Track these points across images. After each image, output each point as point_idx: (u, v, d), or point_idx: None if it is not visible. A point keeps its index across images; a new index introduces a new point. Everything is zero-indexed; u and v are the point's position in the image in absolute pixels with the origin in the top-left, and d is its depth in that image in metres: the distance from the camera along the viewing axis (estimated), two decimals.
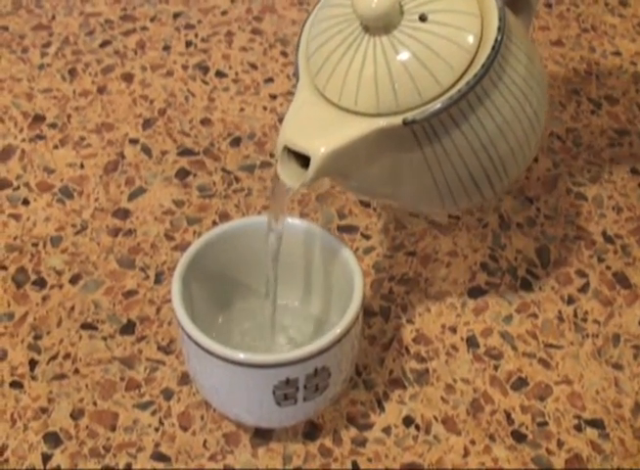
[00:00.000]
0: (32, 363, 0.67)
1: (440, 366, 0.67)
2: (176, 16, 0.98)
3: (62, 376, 0.66)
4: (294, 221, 0.64)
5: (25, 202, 0.78)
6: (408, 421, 0.64)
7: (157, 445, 0.63)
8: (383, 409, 0.65)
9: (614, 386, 0.66)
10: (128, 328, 0.69)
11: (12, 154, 0.82)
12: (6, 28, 0.96)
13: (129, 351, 0.68)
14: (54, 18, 0.98)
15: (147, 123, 0.85)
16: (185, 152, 0.83)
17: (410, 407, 0.65)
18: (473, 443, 0.63)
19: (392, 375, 0.67)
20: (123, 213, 0.77)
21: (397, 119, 0.55)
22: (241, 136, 0.84)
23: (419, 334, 0.69)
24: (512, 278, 0.73)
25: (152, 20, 0.98)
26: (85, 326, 0.69)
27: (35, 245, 0.75)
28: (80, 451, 0.62)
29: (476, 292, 0.72)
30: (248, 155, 0.83)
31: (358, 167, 0.58)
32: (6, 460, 0.62)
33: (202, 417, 0.64)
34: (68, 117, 0.86)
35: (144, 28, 0.97)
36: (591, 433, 0.64)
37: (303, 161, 0.55)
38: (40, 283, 0.72)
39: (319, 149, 0.54)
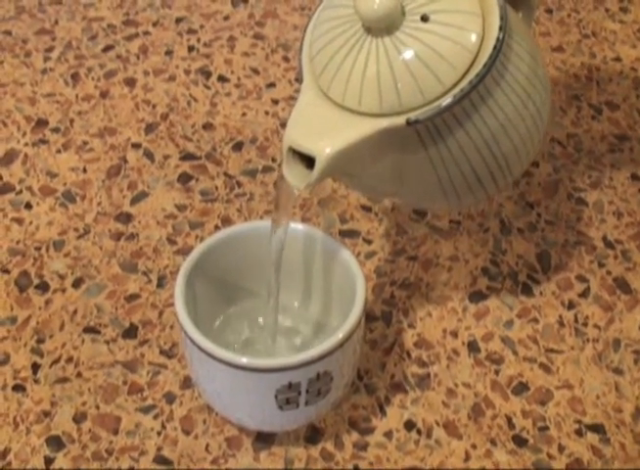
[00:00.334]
0: (35, 367, 0.67)
1: (442, 371, 0.68)
2: (179, 21, 0.99)
3: (64, 380, 0.66)
4: (296, 226, 0.64)
5: (28, 206, 0.78)
6: (409, 425, 0.64)
7: (159, 448, 0.63)
8: (384, 414, 0.65)
9: (614, 391, 0.66)
10: (131, 332, 0.70)
11: (15, 158, 0.83)
12: (9, 33, 0.97)
13: (132, 354, 0.68)
14: (57, 22, 0.98)
15: (149, 128, 0.86)
16: (187, 156, 0.83)
17: (411, 412, 0.65)
18: (474, 447, 0.63)
19: (394, 379, 0.67)
20: (126, 218, 0.78)
21: (401, 120, 0.55)
22: (243, 141, 0.85)
23: (420, 338, 0.70)
24: (513, 283, 0.73)
25: (154, 24, 0.98)
26: (88, 330, 0.70)
27: (38, 249, 0.75)
28: (83, 455, 0.62)
29: (477, 296, 0.72)
30: (250, 159, 0.83)
31: (362, 167, 0.59)
32: (8, 464, 0.62)
33: (204, 421, 0.64)
34: (71, 121, 0.86)
35: (146, 33, 0.97)
36: (592, 437, 0.64)
37: (308, 161, 0.56)
38: (43, 287, 0.72)
39: (324, 150, 0.55)
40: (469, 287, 0.73)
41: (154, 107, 0.88)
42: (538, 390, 0.66)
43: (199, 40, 0.96)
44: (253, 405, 0.60)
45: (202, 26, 0.98)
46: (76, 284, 0.72)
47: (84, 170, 0.82)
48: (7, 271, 0.73)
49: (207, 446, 0.63)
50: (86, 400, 0.65)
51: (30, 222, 0.77)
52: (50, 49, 0.95)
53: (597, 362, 0.68)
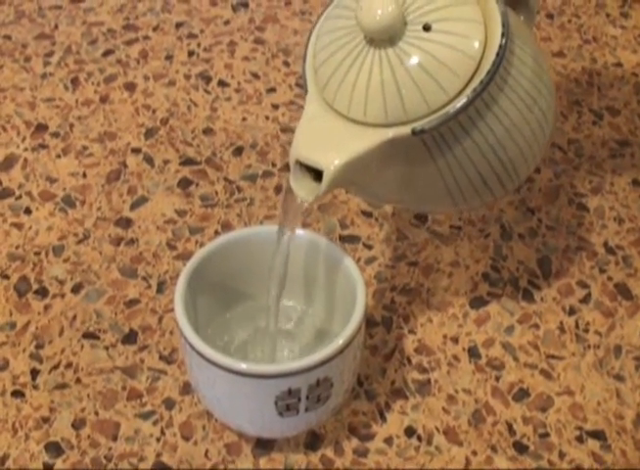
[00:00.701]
0: (34, 373, 0.67)
1: (442, 377, 0.67)
2: (179, 25, 0.99)
3: (63, 385, 0.66)
4: (298, 232, 0.64)
5: (28, 211, 0.78)
6: (410, 432, 0.64)
7: (158, 454, 0.63)
8: (384, 420, 0.65)
9: (615, 397, 0.66)
10: (130, 337, 0.69)
11: (14, 163, 0.83)
12: (9, 38, 0.97)
13: (131, 360, 0.68)
14: (56, 27, 0.98)
15: (149, 133, 0.86)
16: (187, 161, 0.83)
17: (412, 418, 0.65)
18: (474, 453, 0.63)
19: (394, 385, 0.67)
20: (125, 223, 0.77)
21: (406, 129, 0.55)
22: (243, 146, 0.85)
23: (421, 344, 0.69)
24: (513, 289, 0.73)
25: (154, 29, 0.98)
26: (87, 335, 0.69)
27: (37, 254, 0.75)
28: (82, 461, 0.62)
29: (477, 302, 0.72)
30: (250, 164, 0.83)
31: (369, 176, 0.59)
32: None
33: (203, 427, 0.64)
34: (71, 126, 0.86)
35: (146, 38, 0.97)
36: (593, 444, 0.64)
37: (315, 173, 0.56)
38: (42, 292, 0.72)
39: (331, 162, 0.55)
40: (469, 293, 0.73)
41: (154, 112, 0.88)
42: (539, 396, 0.66)
43: (199, 45, 0.96)
44: (253, 412, 0.59)
45: (202, 31, 0.98)
46: (76, 289, 0.72)
47: (84, 175, 0.81)
48: (6, 276, 0.73)
49: (207, 452, 0.63)
50: (85, 406, 0.65)
51: (30, 227, 0.77)
52: (50, 54, 0.95)
53: (598, 369, 0.68)
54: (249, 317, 0.67)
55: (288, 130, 0.86)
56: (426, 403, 0.66)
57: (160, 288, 0.73)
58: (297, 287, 0.66)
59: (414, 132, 0.55)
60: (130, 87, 0.91)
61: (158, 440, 0.63)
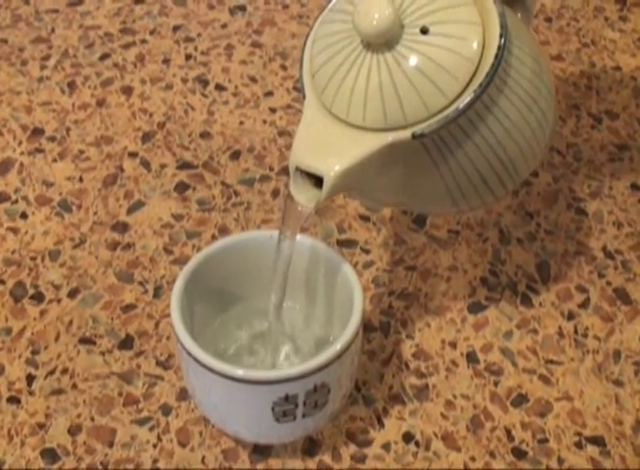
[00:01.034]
0: (30, 378, 0.67)
1: (440, 382, 0.67)
2: (176, 29, 0.98)
3: (59, 391, 0.66)
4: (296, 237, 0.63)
5: (24, 215, 0.78)
6: (408, 437, 0.64)
7: (155, 461, 0.62)
8: (382, 425, 0.65)
9: (614, 403, 0.66)
10: (127, 343, 0.69)
11: (10, 167, 0.82)
12: (5, 41, 0.96)
13: (127, 366, 0.68)
14: (53, 31, 0.98)
15: (146, 137, 0.85)
16: (184, 165, 0.83)
17: (410, 423, 0.65)
18: (473, 459, 0.63)
19: (392, 391, 0.66)
20: (122, 227, 0.77)
21: (406, 134, 0.55)
22: (240, 150, 0.84)
23: (419, 349, 0.69)
24: (512, 293, 0.73)
25: (151, 33, 0.98)
26: (83, 341, 0.69)
27: (33, 259, 0.74)
28: (78, 468, 0.62)
29: (476, 307, 0.72)
30: (247, 168, 0.82)
31: (369, 180, 0.59)
32: None
33: (200, 433, 0.64)
34: (67, 130, 0.86)
35: (143, 41, 0.97)
36: (592, 450, 0.63)
37: (316, 179, 0.56)
38: (38, 297, 0.72)
39: (332, 169, 0.55)
40: (468, 297, 0.72)
41: (150, 115, 0.88)
42: (538, 401, 0.66)
43: (196, 48, 0.96)
44: (250, 418, 0.59)
45: (199, 35, 0.98)
46: (72, 294, 0.72)
47: (80, 179, 0.81)
48: (2, 282, 0.73)
49: (204, 458, 0.63)
50: (81, 412, 0.65)
51: (26, 232, 0.77)
52: (46, 57, 0.94)
53: (597, 374, 0.67)
54: (246, 322, 0.66)
55: (285, 134, 0.86)
56: (424, 409, 0.65)
57: (157, 293, 0.72)
58: (295, 291, 0.65)
59: (414, 136, 0.55)
60: (127, 91, 0.90)
61: (154, 446, 0.63)
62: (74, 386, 0.66)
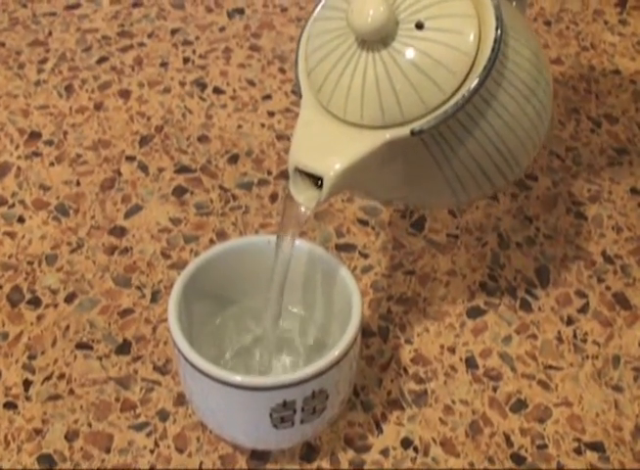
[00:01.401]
0: (27, 384, 0.66)
1: (439, 387, 0.67)
2: (174, 32, 0.98)
3: (56, 397, 0.66)
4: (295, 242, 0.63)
5: (21, 219, 0.78)
6: (406, 443, 0.64)
7: (152, 467, 0.62)
8: (381, 431, 0.64)
9: (614, 408, 0.66)
10: (124, 348, 0.69)
11: (7, 171, 0.82)
12: (2, 44, 0.96)
13: (125, 371, 0.67)
14: (50, 34, 0.97)
15: (144, 140, 0.85)
16: (182, 169, 0.82)
17: (408, 429, 0.64)
18: (471, 465, 0.62)
19: (391, 396, 0.66)
20: (119, 231, 0.77)
21: (405, 130, 0.55)
22: (238, 153, 0.84)
23: (417, 354, 0.69)
24: (511, 298, 0.72)
25: (149, 36, 0.98)
26: (80, 346, 0.69)
27: (30, 263, 0.74)
28: None
29: (474, 312, 0.71)
30: (245, 172, 0.82)
31: (369, 177, 0.59)
32: None
33: (198, 439, 0.64)
34: (65, 133, 0.86)
35: (141, 44, 0.96)
36: (591, 456, 0.63)
37: (315, 178, 0.56)
38: (35, 302, 0.71)
39: (331, 169, 0.55)
40: (467, 302, 0.72)
41: (148, 119, 0.87)
42: (537, 407, 0.66)
43: (194, 52, 0.96)
44: (248, 424, 0.59)
45: (197, 38, 0.97)
46: (69, 299, 0.72)
47: (78, 183, 0.81)
48: None
49: (201, 464, 0.62)
50: (78, 418, 0.64)
51: (23, 236, 0.76)
52: (44, 61, 0.94)
53: (596, 379, 0.67)
54: (244, 327, 0.66)
55: (284, 138, 0.85)
56: (422, 414, 0.65)
57: (155, 297, 0.72)
58: (293, 296, 0.65)
59: (413, 133, 0.55)
60: (125, 94, 0.90)
61: (151, 451, 0.63)
62: (71, 391, 0.66)
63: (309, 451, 0.63)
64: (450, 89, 0.55)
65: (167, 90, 0.91)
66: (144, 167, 0.82)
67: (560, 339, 0.70)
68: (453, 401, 0.66)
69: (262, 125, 0.87)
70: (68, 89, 0.91)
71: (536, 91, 0.59)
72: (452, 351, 0.69)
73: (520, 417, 0.65)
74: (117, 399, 0.65)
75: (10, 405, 0.65)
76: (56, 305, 0.71)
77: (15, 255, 0.75)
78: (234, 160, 0.83)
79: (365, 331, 0.69)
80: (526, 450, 0.63)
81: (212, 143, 0.85)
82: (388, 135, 0.55)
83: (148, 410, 0.65)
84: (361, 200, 0.79)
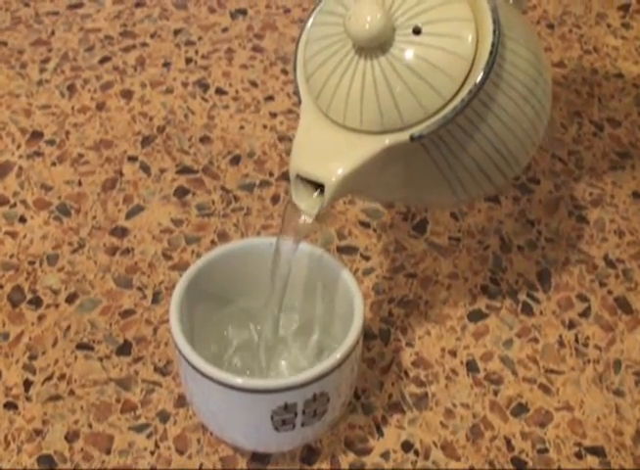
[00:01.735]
0: (27, 384, 0.66)
1: (440, 391, 0.67)
2: (176, 32, 0.98)
3: (57, 397, 0.65)
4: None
5: (22, 219, 0.78)
6: (407, 446, 0.64)
7: (152, 468, 0.62)
8: (381, 434, 0.64)
9: (615, 413, 0.65)
10: (125, 349, 0.69)
11: (9, 170, 0.82)
12: (5, 44, 0.96)
13: (125, 372, 0.67)
14: (53, 33, 0.97)
15: (146, 141, 0.85)
16: (184, 170, 0.82)
17: (409, 432, 0.64)
18: (472, 469, 0.62)
19: (391, 399, 0.66)
20: (121, 232, 0.77)
21: (404, 136, 0.55)
22: (240, 154, 0.84)
23: (418, 357, 0.69)
24: (513, 302, 0.72)
25: (152, 36, 0.97)
26: (81, 346, 0.69)
27: (32, 263, 0.74)
28: None
29: (476, 315, 0.71)
30: (247, 173, 0.82)
31: (369, 181, 0.59)
32: None
33: (198, 440, 0.63)
34: (67, 133, 0.86)
35: (144, 45, 0.96)
36: (592, 460, 0.63)
37: (316, 185, 0.56)
38: (36, 302, 0.71)
39: (333, 175, 0.55)
40: (468, 305, 0.72)
41: (150, 119, 0.87)
42: (538, 411, 0.66)
43: (197, 52, 0.95)
44: (249, 426, 0.59)
45: (200, 38, 0.97)
46: (70, 299, 0.72)
47: (79, 183, 0.81)
48: (0, 286, 0.72)
49: (202, 465, 0.62)
50: (78, 419, 0.64)
51: (24, 236, 0.76)
52: (46, 60, 0.94)
53: (597, 384, 0.67)
54: (245, 328, 0.66)
55: (286, 139, 0.85)
56: (423, 418, 0.65)
57: (156, 298, 0.72)
58: (295, 298, 0.65)
59: (412, 139, 0.55)
60: (127, 95, 0.90)
61: (152, 453, 0.63)
62: (72, 392, 0.66)
63: (310, 454, 0.63)
64: (449, 94, 0.55)
65: (170, 91, 0.91)
66: (146, 168, 0.82)
67: (561, 343, 0.70)
68: (454, 405, 0.66)
69: (264, 127, 0.87)
70: (71, 89, 0.91)
71: (535, 91, 0.59)
72: (453, 354, 0.69)
73: (520, 421, 0.65)
74: (118, 401, 0.65)
75: (10, 406, 0.65)
76: (57, 306, 0.71)
77: (16, 254, 0.75)
78: (236, 161, 0.83)
79: (366, 334, 0.69)
80: (527, 455, 0.63)
81: (214, 144, 0.85)
82: (387, 141, 0.55)
83: (148, 412, 0.65)
84: (363, 202, 0.79)
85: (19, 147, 0.84)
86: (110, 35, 0.97)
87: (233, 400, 0.57)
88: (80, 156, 0.83)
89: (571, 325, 0.71)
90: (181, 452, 0.63)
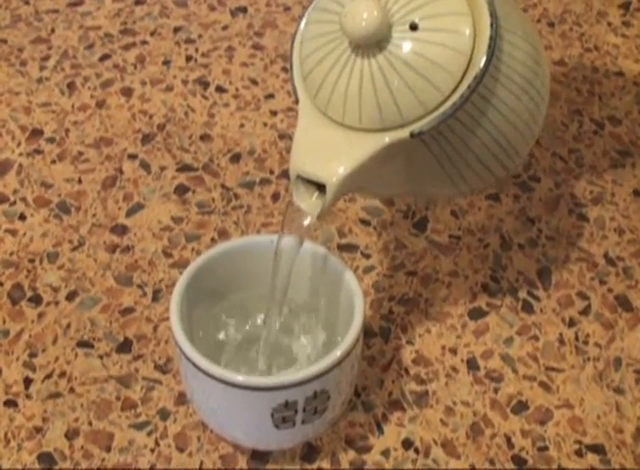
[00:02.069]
0: (27, 382, 0.66)
1: (440, 388, 0.67)
2: (177, 30, 0.98)
3: (57, 395, 0.65)
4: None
5: (22, 217, 0.77)
6: (407, 444, 0.63)
7: (152, 466, 0.62)
8: (382, 432, 0.64)
9: (615, 411, 0.65)
10: (125, 346, 0.69)
11: (9, 168, 0.82)
12: (5, 41, 0.96)
13: (125, 369, 0.67)
14: (53, 31, 0.97)
15: (146, 139, 0.85)
16: (184, 168, 0.82)
17: (409, 430, 0.64)
18: (472, 466, 0.62)
19: (392, 397, 0.66)
20: (121, 230, 0.77)
21: (404, 132, 0.55)
22: (241, 152, 0.84)
23: (419, 355, 0.69)
24: (513, 299, 0.72)
25: (152, 34, 0.97)
26: (81, 344, 0.69)
27: (32, 261, 0.74)
28: None
29: (476, 313, 0.71)
30: (247, 171, 0.82)
31: (370, 178, 0.59)
32: None
33: (198, 438, 0.63)
34: (67, 131, 0.85)
35: (144, 42, 0.96)
36: (592, 458, 0.63)
37: (317, 184, 0.56)
38: (36, 300, 0.71)
39: (333, 175, 0.55)
40: (468, 303, 0.72)
41: (150, 117, 0.87)
42: (538, 409, 0.66)
43: (197, 50, 0.95)
44: (249, 424, 0.59)
45: (200, 36, 0.97)
46: (70, 297, 0.72)
47: (79, 181, 0.81)
48: (0, 284, 0.72)
49: (202, 463, 0.62)
50: (79, 416, 0.64)
51: (24, 234, 0.76)
52: (46, 58, 0.94)
53: (598, 382, 0.67)
54: (245, 327, 0.66)
55: (286, 137, 0.85)
56: (423, 415, 0.65)
57: (156, 296, 0.72)
58: (295, 296, 0.65)
59: (412, 135, 0.55)
60: (127, 92, 0.90)
61: (152, 451, 0.63)
62: (72, 389, 0.66)
63: (310, 452, 0.63)
64: (448, 89, 0.55)
65: (170, 88, 0.91)
66: (146, 166, 0.82)
67: (561, 341, 0.70)
68: (454, 403, 0.66)
69: (265, 124, 0.87)
70: (71, 87, 0.91)
71: (534, 83, 0.59)
72: (453, 352, 0.69)
73: (521, 419, 0.65)
74: (118, 398, 0.65)
75: (10, 403, 0.65)
76: (57, 303, 0.71)
77: (16, 252, 0.75)
78: (236, 159, 0.83)
79: (366, 331, 0.69)
80: (527, 452, 0.63)
81: (215, 142, 0.85)
82: (387, 138, 0.55)
83: (148, 409, 0.65)
84: (363, 200, 0.79)
85: (19, 145, 0.84)
86: (110, 33, 0.97)
87: (233, 398, 0.57)
88: (80, 153, 0.83)
89: (572, 323, 0.71)
90: (181, 450, 0.63)
